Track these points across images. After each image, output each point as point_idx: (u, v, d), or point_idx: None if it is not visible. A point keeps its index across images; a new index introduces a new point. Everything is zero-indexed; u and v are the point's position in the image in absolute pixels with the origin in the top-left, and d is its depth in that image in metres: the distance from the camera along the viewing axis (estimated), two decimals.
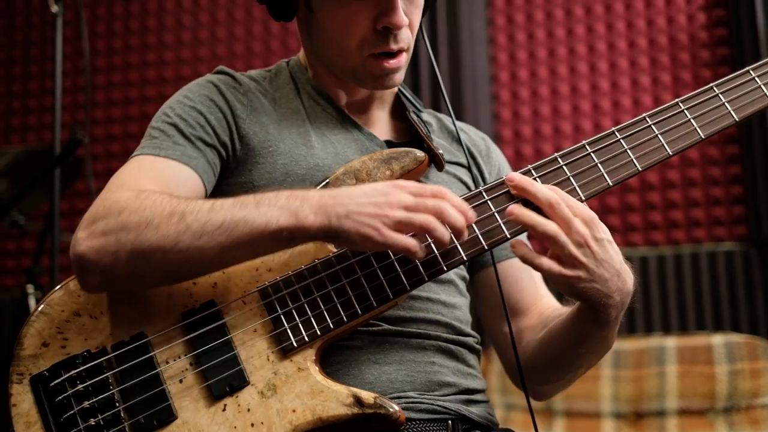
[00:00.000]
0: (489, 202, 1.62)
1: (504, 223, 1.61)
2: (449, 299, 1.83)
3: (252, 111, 1.81)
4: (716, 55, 3.91)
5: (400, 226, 1.48)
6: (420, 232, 1.50)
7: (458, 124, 1.97)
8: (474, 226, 1.61)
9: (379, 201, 1.49)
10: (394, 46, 1.77)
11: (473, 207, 1.61)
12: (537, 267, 1.58)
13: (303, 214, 1.49)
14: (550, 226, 1.55)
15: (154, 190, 1.61)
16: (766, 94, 1.71)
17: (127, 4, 4.63)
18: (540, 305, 1.97)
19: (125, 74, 4.62)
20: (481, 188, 1.64)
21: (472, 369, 1.84)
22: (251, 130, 1.79)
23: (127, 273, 1.56)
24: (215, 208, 1.53)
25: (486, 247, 1.61)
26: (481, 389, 1.85)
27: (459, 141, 1.94)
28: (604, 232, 1.57)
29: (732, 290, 3.72)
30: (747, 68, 1.73)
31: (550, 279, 1.61)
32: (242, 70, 1.94)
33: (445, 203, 1.51)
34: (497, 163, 2.05)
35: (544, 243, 1.57)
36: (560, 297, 1.92)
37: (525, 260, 1.59)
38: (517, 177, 1.61)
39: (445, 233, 1.50)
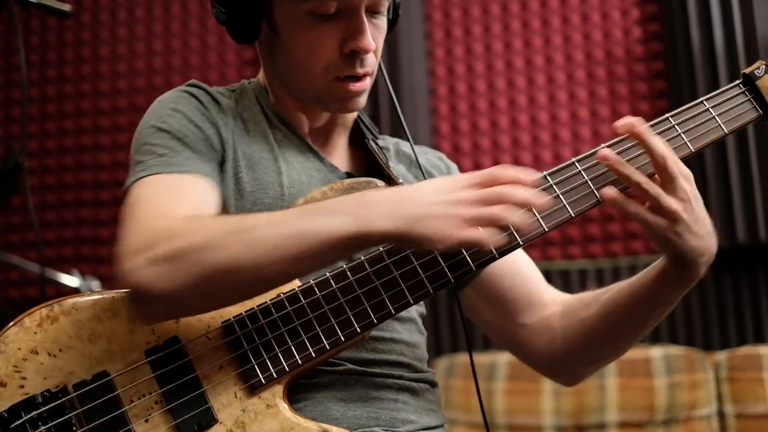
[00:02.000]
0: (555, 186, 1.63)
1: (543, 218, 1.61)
2: (411, 338, 1.83)
3: (231, 132, 1.78)
4: (651, 68, 3.96)
5: (474, 223, 1.46)
6: (491, 224, 1.47)
7: (415, 147, 1.97)
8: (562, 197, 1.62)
9: (445, 200, 1.47)
10: (360, 70, 1.76)
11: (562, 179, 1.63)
12: (646, 221, 1.58)
13: (374, 219, 1.45)
14: (642, 177, 1.56)
15: (193, 213, 1.56)
16: (720, 125, 1.73)
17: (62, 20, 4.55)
18: (555, 295, 1.99)
19: (60, 87, 4.53)
20: (574, 160, 1.65)
21: (432, 404, 1.84)
22: (229, 153, 1.76)
23: (194, 297, 1.50)
24: (275, 221, 1.49)
25: (546, 230, 1.61)
26: (441, 424, 1.85)
27: (418, 165, 1.93)
28: (697, 191, 1.60)
29: None
30: (701, 99, 1.75)
31: (648, 230, 1.60)
32: (198, 81, 1.90)
33: (507, 189, 1.49)
34: None
35: (644, 197, 1.57)
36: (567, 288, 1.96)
37: (630, 214, 1.58)
38: (642, 125, 1.60)
39: (516, 218, 1.49)
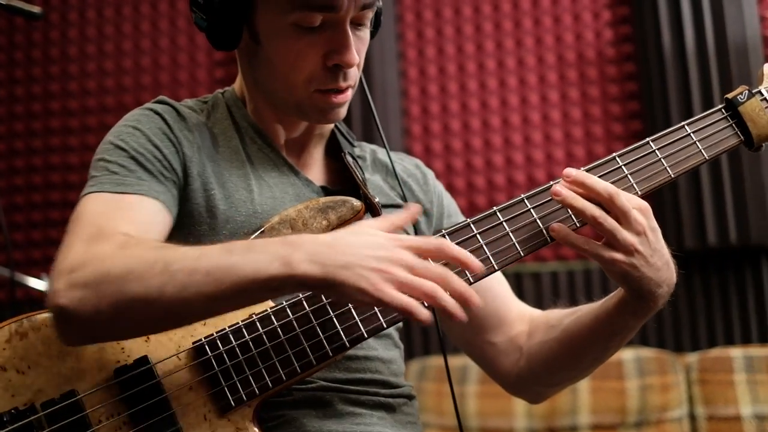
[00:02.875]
0: (478, 235, 1.61)
1: (492, 255, 1.61)
2: (386, 354, 1.81)
3: (197, 149, 1.76)
4: (623, 70, 3.97)
5: (403, 288, 1.40)
6: (424, 299, 1.42)
7: (392, 154, 1.96)
8: (485, 248, 1.61)
9: (380, 255, 1.41)
10: (343, 84, 1.74)
11: (463, 240, 1.60)
12: (601, 257, 1.58)
13: (296, 263, 1.40)
14: (596, 210, 1.57)
15: (135, 236, 1.54)
16: (701, 150, 1.73)
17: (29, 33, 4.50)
18: (524, 312, 1.99)
19: (28, 88, 4.49)
20: (469, 220, 1.63)
21: (409, 417, 1.84)
22: (195, 170, 1.73)
23: (109, 325, 1.48)
24: (203, 256, 1.44)
25: (472, 281, 1.59)
26: None
27: (395, 174, 1.92)
28: (655, 222, 1.59)
29: None
30: (682, 123, 1.75)
31: (603, 266, 1.60)
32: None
33: (451, 274, 1.44)
34: (436, 190, 2.04)
35: (599, 231, 1.57)
36: (539, 304, 1.95)
37: (566, 241, 1.59)
38: (574, 172, 1.61)
39: (452, 302, 1.42)
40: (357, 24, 1.72)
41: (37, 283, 3.41)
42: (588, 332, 1.77)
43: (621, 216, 1.56)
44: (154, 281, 1.42)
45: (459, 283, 1.44)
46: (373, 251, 1.41)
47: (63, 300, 1.45)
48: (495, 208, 1.64)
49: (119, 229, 1.55)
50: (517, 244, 1.62)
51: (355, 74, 1.76)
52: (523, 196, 1.65)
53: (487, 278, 1.88)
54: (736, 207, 3.62)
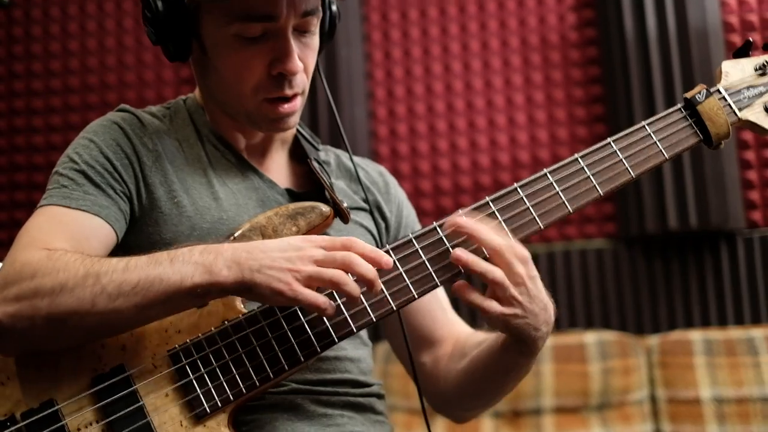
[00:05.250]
0: (420, 250, 1.64)
1: (435, 271, 1.64)
2: (355, 353, 1.85)
3: (157, 158, 1.77)
4: (585, 55, 4.00)
5: (311, 281, 1.49)
6: (330, 286, 1.50)
7: (356, 160, 1.98)
8: (404, 275, 1.63)
9: (291, 255, 1.49)
10: (288, 92, 1.76)
11: (405, 255, 1.63)
12: (484, 310, 1.60)
13: (217, 269, 1.48)
14: (498, 273, 1.58)
15: (66, 250, 1.57)
16: (661, 150, 1.76)
17: None
18: (453, 331, 2.01)
19: None
20: (411, 235, 1.65)
21: (379, 416, 1.87)
22: (156, 179, 1.75)
23: (44, 337, 1.53)
24: (130, 267, 1.51)
25: (416, 297, 1.63)
26: None
27: (358, 180, 1.94)
28: (534, 268, 1.62)
29: (602, 287, 3.83)
30: (642, 123, 1.77)
31: (487, 318, 1.63)
32: (134, 99, 1.89)
33: (354, 256, 1.51)
34: (397, 200, 2.07)
35: (490, 285, 1.59)
36: (472, 321, 1.97)
37: (472, 304, 1.61)
38: (463, 222, 1.63)
39: (354, 287, 1.51)
40: (301, 31, 1.74)
41: None
42: (483, 367, 1.81)
43: (504, 268, 1.58)
44: (85, 293, 1.49)
45: (363, 267, 1.51)
46: (283, 252, 1.50)
47: None
48: (435, 223, 1.68)
49: (52, 243, 1.60)
50: (433, 274, 1.65)
51: (301, 81, 1.78)
52: (411, 236, 1.67)
53: (429, 300, 1.97)
54: (696, 192, 3.67)
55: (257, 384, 1.58)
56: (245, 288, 1.49)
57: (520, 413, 3.45)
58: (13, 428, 1.51)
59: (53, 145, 4.24)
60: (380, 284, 1.56)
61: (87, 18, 4.38)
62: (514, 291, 1.57)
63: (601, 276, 3.84)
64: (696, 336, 3.44)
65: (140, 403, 1.55)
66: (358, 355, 1.86)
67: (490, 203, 1.69)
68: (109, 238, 1.70)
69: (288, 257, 1.49)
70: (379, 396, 1.90)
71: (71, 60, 4.37)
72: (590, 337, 3.51)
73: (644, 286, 3.80)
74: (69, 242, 1.62)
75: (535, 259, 3.71)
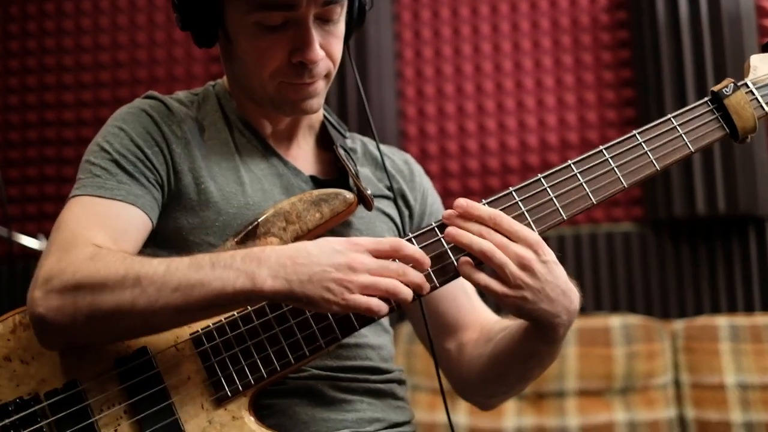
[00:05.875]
0: (443, 239, 1.64)
1: (457, 260, 1.64)
2: (376, 341, 1.86)
3: (185, 144, 1.78)
4: (616, 37, 3.98)
5: (365, 290, 1.49)
6: (386, 296, 1.51)
7: (383, 148, 1.98)
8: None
9: (340, 263, 1.49)
10: (308, 80, 1.76)
11: (428, 244, 1.63)
12: (484, 288, 1.60)
13: (261, 278, 1.48)
14: (485, 244, 1.58)
15: (109, 248, 1.59)
16: (687, 143, 1.75)
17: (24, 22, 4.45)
18: (479, 318, 2.00)
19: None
20: (433, 224, 1.65)
21: (400, 401, 1.88)
22: (185, 166, 1.77)
23: (85, 333, 1.55)
24: (170, 270, 1.51)
25: (438, 285, 1.63)
26: (408, 420, 1.90)
27: (384, 169, 1.95)
28: (549, 254, 1.60)
29: (628, 271, 3.82)
30: (668, 116, 1.76)
31: (497, 300, 1.62)
32: (164, 94, 1.91)
33: (406, 267, 1.54)
34: (422, 188, 2.07)
35: (488, 265, 1.59)
36: (498, 309, 1.97)
37: (468, 278, 1.61)
38: (465, 202, 1.62)
39: (409, 294, 1.53)
40: (324, 20, 1.74)
41: (31, 242, 3.43)
42: (507, 353, 1.80)
43: (500, 247, 1.58)
44: (126, 294, 1.50)
45: (414, 274, 1.54)
46: (331, 259, 1.49)
47: (40, 309, 1.52)
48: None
49: (93, 237, 1.61)
50: (455, 263, 1.65)
51: (324, 67, 1.78)
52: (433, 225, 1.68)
53: (455, 287, 1.94)
54: (725, 176, 3.65)
55: (278, 369, 1.60)
56: (294, 298, 1.50)
57: (544, 395, 3.46)
58: (36, 407, 1.54)
59: (83, 138, 4.24)
60: (428, 287, 1.58)
61: (118, 12, 4.39)
62: (518, 271, 1.57)
63: (627, 259, 3.83)
64: (722, 322, 3.43)
65: (163, 385, 1.57)
66: (379, 342, 1.87)
67: (513, 193, 1.68)
68: (146, 227, 1.72)
69: (337, 264, 1.49)
70: (400, 382, 1.91)
71: (102, 54, 4.37)
72: (615, 321, 3.51)
73: (671, 271, 3.79)
74: (108, 233, 1.64)
75: (562, 241, 3.78)
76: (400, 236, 1.78)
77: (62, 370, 1.58)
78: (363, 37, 3.91)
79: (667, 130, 1.75)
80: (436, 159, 3.98)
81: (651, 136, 1.74)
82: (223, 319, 1.61)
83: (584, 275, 3.82)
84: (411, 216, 2.01)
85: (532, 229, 1.65)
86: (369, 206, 1.79)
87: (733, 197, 3.64)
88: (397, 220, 1.95)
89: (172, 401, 1.57)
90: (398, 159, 2.10)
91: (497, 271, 1.58)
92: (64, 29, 4.40)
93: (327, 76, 1.80)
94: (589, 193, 1.70)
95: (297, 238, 1.68)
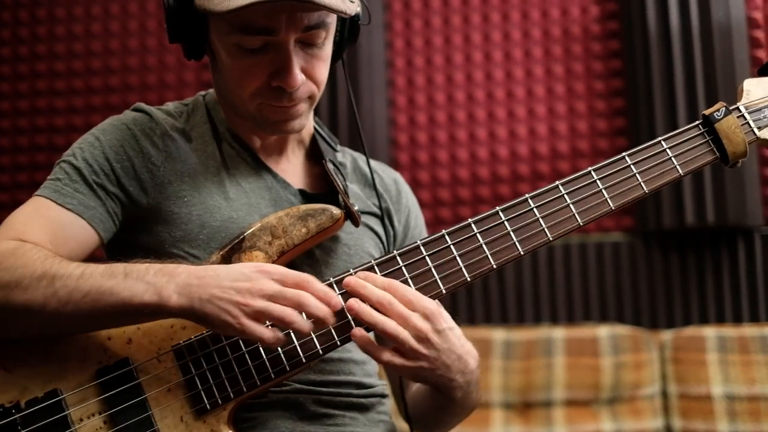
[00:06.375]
0: (404, 268, 1.66)
1: (422, 288, 1.66)
2: (360, 355, 1.87)
3: (167, 157, 1.78)
4: (607, 47, 3.98)
5: (260, 316, 1.50)
6: (278, 323, 1.52)
7: (373, 165, 1.99)
8: (411, 281, 1.66)
9: (242, 287, 1.51)
10: (287, 103, 1.75)
11: (389, 273, 1.64)
12: (383, 363, 1.63)
13: (167, 294, 1.51)
14: (389, 324, 1.59)
15: (36, 244, 1.61)
16: (676, 166, 1.76)
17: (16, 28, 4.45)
18: None
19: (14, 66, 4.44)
20: (395, 252, 1.67)
21: (382, 415, 1.89)
22: (166, 178, 1.77)
23: None
24: (85, 275, 1.53)
25: (339, 344, 1.66)
26: None
27: (373, 186, 1.95)
28: (445, 321, 1.63)
29: (617, 281, 3.82)
30: (658, 139, 1.77)
31: (395, 371, 1.66)
32: (155, 100, 1.91)
33: (306, 295, 1.53)
34: (406, 208, 2.07)
35: (384, 337, 1.61)
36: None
37: (371, 355, 1.64)
38: (352, 281, 1.63)
39: (304, 324, 1.54)
40: (307, 44, 1.73)
41: None
42: (421, 399, 1.88)
43: (400, 321, 1.59)
44: (38, 294, 1.52)
45: (315, 306, 1.53)
46: (234, 282, 1.51)
47: None
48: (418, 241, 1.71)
49: (32, 237, 1.63)
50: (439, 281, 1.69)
51: (303, 93, 1.77)
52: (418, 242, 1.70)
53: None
54: (715, 187, 3.65)
55: (258, 383, 1.61)
56: (194, 316, 1.52)
57: (531, 405, 3.46)
58: (17, 416, 1.55)
59: (72, 142, 4.20)
60: (333, 320, 1.58)
61: (110, 19, 4.37)
62: (415, 344, 1.59)
63: (616, 270, 3.83)
64: (710, 332, 3.43)
65: (142, 397, 1.59)
66: (363, 358, 1.87)
67: (500, 213, 1.72)
68: (89, 241, 1.73)
69: (238, 288, 1.50)
70: (383, 396, 1.91)
71: (93, 60, 4.36)
72: (603, 331, 3.51)
73: (660, 281, 3.79)
74: (47, 237, 1.66)
75: (551, 250, 3.78)
76: (384, 254, 1.79)
77: (44, 379, 1.59)
78: (354, 45, 3.90)
79: (656, 153, 1.76)
80: (427, 168, 3.98)
81: (640, 158, 1.76)
82: (204, 332, 1.62)
83: (573, 285, 3.83)
84: (395, 237, 2.02)
85: (440, 291, 1.67)
86: (356, 222, 1.80)
87: (722, 208, 3.64)
88: (384, 238, 1.96)
89: (152, 413, 1.58)
90: (387, 177, 2.10)
91: (397, 346, 1.60)
92: (56, 35, 4.39)
93: (311, 98, 1.80)
94: (576, 215, 1.71)
95: (282, 253, 1.69)
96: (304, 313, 1.54)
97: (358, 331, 1.61)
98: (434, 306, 1.62)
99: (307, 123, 1.85)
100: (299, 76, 1.71)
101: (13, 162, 4.36)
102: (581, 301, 3.82)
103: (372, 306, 1.60)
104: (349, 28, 1.84)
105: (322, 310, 1.54)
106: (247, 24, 1.65)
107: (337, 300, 1.58)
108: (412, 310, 1.59)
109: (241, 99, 1.77)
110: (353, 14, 1.74)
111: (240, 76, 1.73)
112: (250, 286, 1.51)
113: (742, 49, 3.72)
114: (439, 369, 1.62)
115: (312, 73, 1.75)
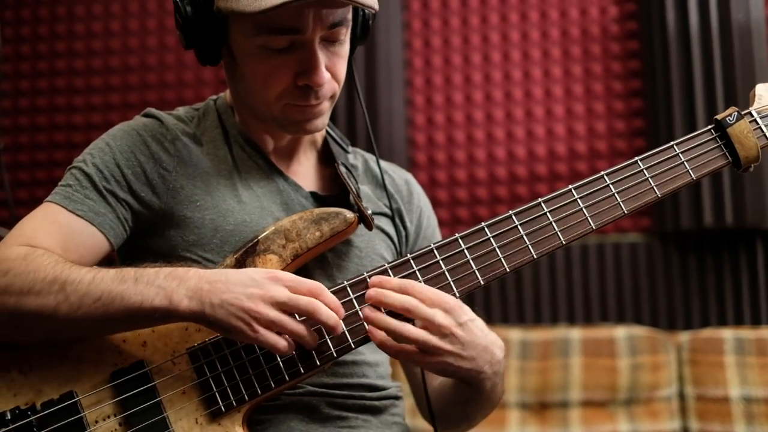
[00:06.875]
0: (417, 271, 1.67)
1: (454, 281, 1.68)
2: (373, 358, 1.87)
3: (179, 162, 1.79)
4: (626, 48, 3.97)
5: (270, 326, 1.52)
6: (290, 335, 1.54)
7: (383, 165, 1.99)
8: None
9: (253, 293, 1.51)
10: (314, 102, 1.76)
11: (403, 276, 1.65)
12: (412, 362, 1.66)
13: (177, 298, 1.52)
14: (409, 329, 1.59)
15: (46, 250, 1.61)
16: (689, 170, 1.76)
17: (53, 23, 4.47)
18: None
19: (34, 64, 4.45)
20: (408, 256, 1.67)
21: (395, 417, 1.89)
22: (178, 183, 1.77)
23: (7, 331, 1.59)
24: (96, 280, 1.54)
25: (353, 347, 1.66)
26: None
27: (384, 187, 1.96)
28: (465, 314, 1.62)
29: (635, 282, 3.82)
30: (671, 143, 1.77)
31: (420, 366, 1.68)
32: (173, 99, 1.91)
33: (318, 304, 1.54)
34: (418, 209, 2.07)
35: (410, 341, 1.60)
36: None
37: (397, 357, 1.65)
38: (373, 294, 1.63)
39: (312, 338, 1.57)
40: (330, 41, 1.74)
41: None
42: (447, 394, 1.87)
43: (425, 323, 1.59)
44: (49, 299, 1.53)
45: (326, 315, 1.54)
46: (245, 289, 1.52)
47: None
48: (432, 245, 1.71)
49: (41, 242, 1.64)
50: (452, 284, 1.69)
51: (329, 89, 1.78)
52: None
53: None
54: (733, 189, 3.64)
55: (272, 386, 1.62)
56: (204, 320, 1.53)
57: (547, 405, 3.46)
58: (33, 418, 1.56)
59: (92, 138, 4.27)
60: (341, 329, 1.60)
61: (128, 17, 4.39)
62: (438, 342, 1.59)
63: (634, 270, 3.83)
64: (727, 334, 3.42)
65: (157, 399, 1.59)
66: (376, 360, 1.88)
67: (513, 217, 1.72)
68: (99, 247, 1.73)
69: (250, 295, 1.51)
70: (397, 398, 1.91)
71: (112, 58, 4.38)
72: (620, 332, 3.50)
73: (677, 282, 3.78)
74: (58, 243, 1.66)
75: (569, 251, 3.77)
76: (397, 256, 1.79)
77: (59, 381, 1.60)
78: (372, 45, 3.91)
79: (669, 158, 1.76)
80: (444, 167, 3.98)
81: (653, 162, 1.76)
82: (219, 335, 1.62)
83: (591, 285, 3.82)
84: (407, 237, 2.02)
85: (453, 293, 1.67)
86: (369, 226, 1.80)
87: (740, 210, 3.63)
88: (395, 239, 1.96)
89: (167, 415, 1.59)
90: (398, 178, 2.10)
91: (421, 346, 1.60)
92: (75, 33, 4.42)
93: (332, 97, 1.81)
94: (589, 219, 1.71)
95: (296, 257, 1.70)
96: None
97: (378, 333, 1.62)
98: (453, 300, 1.62)
99: (327, 122, 1.86)
100: (326, 74, 1.73)
101: (32, 159, 4.39)
102: (598, 302, 3.82)
103: (397, 312, 1.60)
104: (361, 26, 1.85)
105: (333, 319, 1.55)
106: (274, 24, 1.66)
107: (342, 310, 1.60)
108: (432, 307, 1.60)
109: (266, 101, 1.77)
110: (377, 9, 1.75)
111: (265, 77, 1.74)
112: (263, 293, 1.51)
113: (761, 49, 3.71)
114: (465, 362, 1.62)
115: (334, 70, 1.76)
